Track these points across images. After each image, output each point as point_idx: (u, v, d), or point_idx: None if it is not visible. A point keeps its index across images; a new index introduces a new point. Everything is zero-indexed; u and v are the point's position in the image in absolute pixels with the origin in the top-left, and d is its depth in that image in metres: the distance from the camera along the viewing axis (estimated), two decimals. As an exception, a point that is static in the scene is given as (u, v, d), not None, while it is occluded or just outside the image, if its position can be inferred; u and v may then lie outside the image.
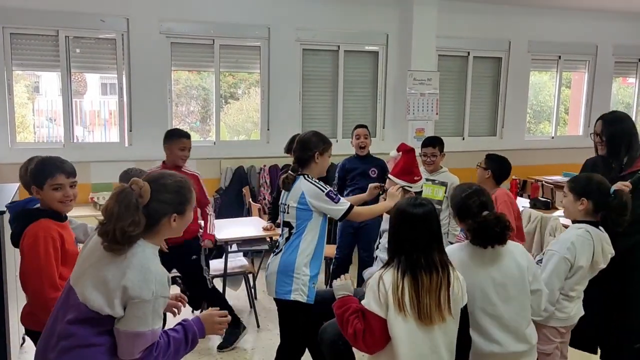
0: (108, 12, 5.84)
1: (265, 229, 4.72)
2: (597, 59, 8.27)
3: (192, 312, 4.51)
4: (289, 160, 3.30)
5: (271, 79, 6.57)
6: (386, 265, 2.22)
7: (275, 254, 3.06)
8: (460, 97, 7.63)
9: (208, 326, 1.99)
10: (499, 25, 7.56)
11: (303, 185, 2.97)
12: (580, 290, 2.72)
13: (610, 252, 2.70)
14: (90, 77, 6.90)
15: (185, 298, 2.42)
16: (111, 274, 1.75)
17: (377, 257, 3.28)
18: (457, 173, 4.48)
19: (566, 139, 8.17)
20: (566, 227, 3.16)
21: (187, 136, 4.08)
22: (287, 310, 3.00)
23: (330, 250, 4.75)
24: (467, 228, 2.44)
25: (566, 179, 3.71)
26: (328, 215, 3.05)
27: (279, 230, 3.39)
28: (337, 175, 5.00)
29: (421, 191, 3.30)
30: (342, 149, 5.72)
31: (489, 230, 2.37)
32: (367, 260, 4.27)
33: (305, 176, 3.02)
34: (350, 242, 4.88)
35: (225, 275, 4.49)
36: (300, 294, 2.92)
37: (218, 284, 4.62)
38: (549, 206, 5.53)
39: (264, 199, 6.30)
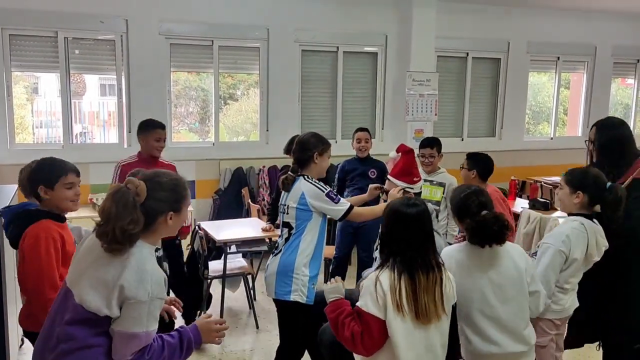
0: (107, 13, 5.84)
1: (264, 230, 4.71)
2: (596, 59, 8.28)
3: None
4: (288, 161, 3.31)
5: (270, 80, 6.58)
6: (381, 266, 2.22)
7: (275, 255, 3.06)
8: (459, 98, 7.64)
9: (205, 334, 1.96)
10: (498, 26, 7.57)
11: (303, 186, 2.98)
12: (575, 282, 2.73)
13: (605, 245, 2.71)
14: (89, 78, 6.90)
15: (180, 302, 2.41)
16: (109, 274, 1.75)
17: (376, 257, 3.27)
18: (456, 174, 4.48)
19: (565, 140, 8.18)
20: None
21: (162, 126, 4.05)
22: (287, 310, 3.00)
23: (330, 251, 4.75)
24: (466, 227, 2.45)
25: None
26: (328, 216, 3.05)
27: (278, 231, 3.39)
28: (336, 176, 5.01)
29: (420, 192, 3.30)
30: (341, 150, 5.72)
31: (487, 229, 2.37)
32: (366, 261, 4.28)
33: (305, 177, 3.03)
34: (350, 242, 4.89)
35: (224, 277, 4.49)
36: (299, 294, 2.92)
37: (217, 285, 4.62)
38: (548, 207, 5.53)
39: (263, 199, 6.30)
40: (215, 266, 4.65)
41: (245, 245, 4.90)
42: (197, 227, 4.70)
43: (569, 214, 2.77)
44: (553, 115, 8.32)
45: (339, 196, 3.05)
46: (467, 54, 7.54)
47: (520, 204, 5.71)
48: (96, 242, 1.80)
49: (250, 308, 4.82)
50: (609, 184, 2.67)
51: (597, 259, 2.71)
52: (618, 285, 2.90)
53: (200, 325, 1.96)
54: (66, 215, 2.56)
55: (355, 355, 2.35)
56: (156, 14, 5.99)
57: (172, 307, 2.30)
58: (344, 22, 6.79)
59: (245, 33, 6.43)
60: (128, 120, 6.08)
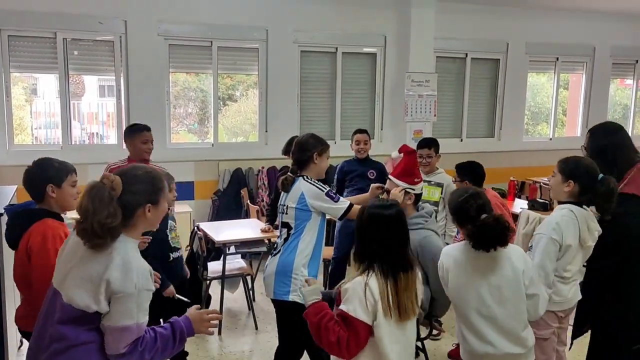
0: (106, 14, 5.84)
1: (263, 231, 4.71)
2: (594, 60, 8.29)
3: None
4: (287, 162, 3.31)
5: (269, 80, 6.58)
6: (366, 270, 2.19)
7: (274, 255, 3.06)
8: (458, 99, 7.64)
9: (197, 324, 1.97)
10: (497, 27, 7.58)
11: (302, 186, 2.99)
12: (574, 271, 2.73)
13: (597, 229, 2.71)
14: (88, 79, 6.88)
15: (159, 276, 2.52)
16: (94, 270, 1.76)
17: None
18: (455, 175, 4.49)
19: (564, 141, 8.18)
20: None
21: (147, 129, 4.07)
22: (285, 311, 3.00)
23: (329, 251, 4.75)
24: (467, 234, 2.44)
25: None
26: (327, 216, 3.05)
27: (277, 232, 3.39)
28: (335, 177, 5.01)
29: (421, 193, 3.31)
30: (340, 150, 5.71)
31: (488, 233, 2.37)
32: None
33: (305, 177, 3.03)
34: (349, 242, 4.87)
35: (223, 277, 4.48)
36: (298, 294, 2.92)
37: (216, 286, 4.61)
38: (547, 207, 5.52)
39: (262, 200, 6.30)
40: (214, 267, 4.65)
41: (245, 246, 4.90)
42: (196, 228, 4.70)
43: (559, 202, 2.78)
44: (552, 115, 8.33)
45: (339, 195, 3.05)
46: (466, 54, 7.55)
47: (519, 205, 5.71)
48: (78, 242, 1.82)
49: (249, 309, 4.81)
50: (601, 175, 2.67)
51: (592, 243, 2.72)
52: (617, 284, 2.90)
53: (191, 316, 1.98)
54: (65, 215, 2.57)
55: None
56: (155, 14, 5.99)
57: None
58: (343, 23, 6.80)
59: (244, 34, 6.44)
60: (127, 121, 6.06)
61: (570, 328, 3.00)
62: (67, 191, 2.47)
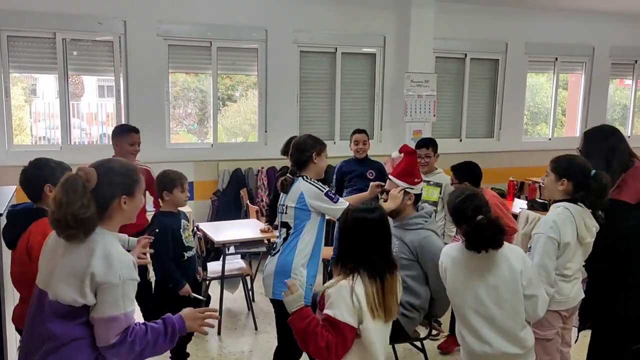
0: (105, 15, 5.84)
1: (262, 231, 4.71)
2: (593, 60, 8.30)
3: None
4: (287, 162, 3.32)
5: (269, 81, 6.58)
6: (350, 274, 2.18)
7: (273, 255, 3.07)
8: (457, 99, 7.65)
9: (189, 322, 1.97)
10: (496, 27, 7.59)
11: (302, 186, 2.99)
12: (575, 269, 2.73)
13: (594, 225, 2.72)
14: (87, 80, 6.88)
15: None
16: (76, 265, 1.78)
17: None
18: (455, 175, 4.49)
19: (563, 141, 8.18)
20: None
21: (136, 130, 4.07)
22: (284, 310, 2.99)
23: (328, 251, 4.75)
24: (462, 233, 2.47)
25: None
26: (326, 217, 3.05)
27: (276, 232, 3.39)
28: (334, 177, 5.01)
29: (421, 193, 3.31)
30: (339, 151, 5.72)
31: (482, 234, 2.39)
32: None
33: (304, 177, 3.04)
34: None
35: (222, 278, 4.48)
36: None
37: (216, 286, 4.61)
38: (546, 207, 5.52)
39: (262, 201, 6.30)
40: (213, 267, 4.65)
41: (244, 247, 4.90)
42: (195, 228, 4.70)
43: (554, 201, 2.79)
44: (551, 116, 8.34)
45: (338, 196, 3.05)
46: (466, 55, 7.55)
47: (519, 205, 5.71)
48: (57, 240, 1.85)
49: (249, 309, 4.82)
50: (593, 171, 2.68)
51: (590, 240, 2.73)
52: (617, 283, 2.91)
53: (184, 313, 1.99)
54: None
55: None
56: (154, 15, 5.99)
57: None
58: (343, 23, 6.80)
59: (243, 34, 6.44)
60: (126, 122, 6.07)
61: (574, 329, 3.00)
62: None
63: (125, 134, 4.01)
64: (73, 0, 5.69)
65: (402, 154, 3.29)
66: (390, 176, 3.27)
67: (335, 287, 2.17)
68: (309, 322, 2.16)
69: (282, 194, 3.11)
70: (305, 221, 2.97)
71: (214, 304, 4.61)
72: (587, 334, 3.03)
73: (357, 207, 2.37)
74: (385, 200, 3.17)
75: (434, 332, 3.36)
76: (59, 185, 1.82)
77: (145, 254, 2.56)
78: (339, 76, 6.93)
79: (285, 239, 3.03)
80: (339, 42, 6.85)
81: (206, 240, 4.56)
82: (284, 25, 6.53)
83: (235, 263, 4.87)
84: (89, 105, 7.01)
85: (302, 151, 3.08)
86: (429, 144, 4.47)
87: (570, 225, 2.65)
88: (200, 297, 3.37)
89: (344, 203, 3.00)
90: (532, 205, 5.40)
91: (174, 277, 3.30)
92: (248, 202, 6.00)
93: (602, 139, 3.02)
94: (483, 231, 2.38)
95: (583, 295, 2.79)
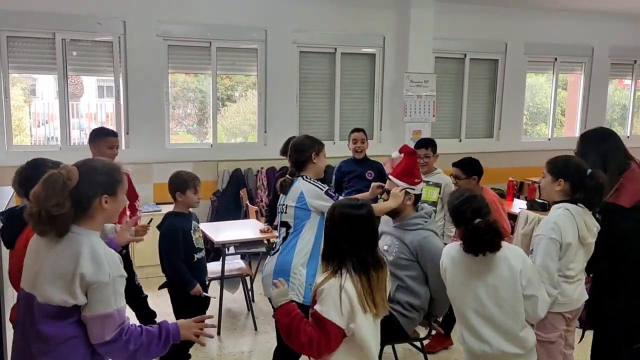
0: (105, 15, 5.84)
1: (262, 231, 4.71)
2: (593, 60, 8.30)
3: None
4: (286, 162, 3.32)
5: (268, 81, 6.58)
6: (338, 271, 2.18)
7: (272, 255, 3.07)
8: (457, 99, 7.65)
9: (184, 330, 2.01)
10: (496, 27, 7.59)
11: (302, 186, 3.00)
12: (578, 269, 2.72)
13: (595, 225, 2.72)
14: (86, 80, 6.89)
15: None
16: (63, 267, 1.80)
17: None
18: (454, 175, 4.49)
19: (562, 141, 8.18)
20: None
21: (114, 134, 4.06)
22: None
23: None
24: (460, 236, 2.48)
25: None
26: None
27: (276, 233, 3.40)
28: (333, 177, 5.00)
29: (421, 194, 3.31)
30: (339, 151, 5.71)
31: (479, 237, 2.40)
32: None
33: (304, 177, 3.04)
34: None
35: (222, 278, 4.48)
36: (296, 294, 2.92)
37: (216, 286, 4.61)
38: (545, 207, 5.52)
39: (261, 201, 6.30)
40: (213, 268, 4.64)
41: (244, 247, 4.90)
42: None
43: (553, 203, 2.79)
44: (551, 116, 8.34)
45: (338, 194, 3.06)
46: (465, 55, 7.55)
47: (518, 205, 5.71)
48: (40, 243, 1.87)
49: (248, 310, 4.81)
50: (589, 170, 2.68)
51: (592, 240, 2.72)
52: (617, 285, 2.91)
53: (180, 322, 2.03)
54: None
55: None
56: (154, 15, 5.99)
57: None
58: (342, 24, 6.80)
59: (243, 34, 6.44)
60: (126, 122, 6.08)
61: (578, 331, 3.00)
62: None
63: (103, 137, 3.98)
64: (72, 0, 5.69)
65: (402, 154, 3.29)
66: (390, 176, 3.27)
67: (326, 285, 2.16)
68: (293, 317, 2.16)
69: (281, 195, 3.12)
70: (305, 220, 2.97)
71: (214, 304, 4.60)
72: (590, 334, 3.03)
73: (343, 202, 2.35)
74: (385, 200, 3.17)
75: (433, 332, 3.36)
76: (40, 181, 1.84)
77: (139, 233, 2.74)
78: (339, 76, 6.93)
79: (284, 239, 3.03)
80: (338, 43, 6.85)
81: (206, 240, 4.55)
82: (284, 25, 6.53)
83: (235, 263, 4.87)
84: (89, 106, 7.02)
85: (301, 152, 3.08)
86: (428, 144, 4.47)
87: (572, 226, 2.64)
88: (211, 296, 3.38)
89: None
90: (532, 205, 5.40)
91: (185, 278, 3.31)
92: (248, 202, 6.00)
93: (599, 142, 3.03)
94: (480, 234, 2.40)
95: (587, 297, 2.79)
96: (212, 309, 4.59)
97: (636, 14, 8.13)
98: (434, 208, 4.18)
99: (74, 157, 2.18)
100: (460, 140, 7.68)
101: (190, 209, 3.53)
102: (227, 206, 6.25)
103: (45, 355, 1.83)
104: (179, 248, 3.31)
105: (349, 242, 2.19)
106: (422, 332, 3.36)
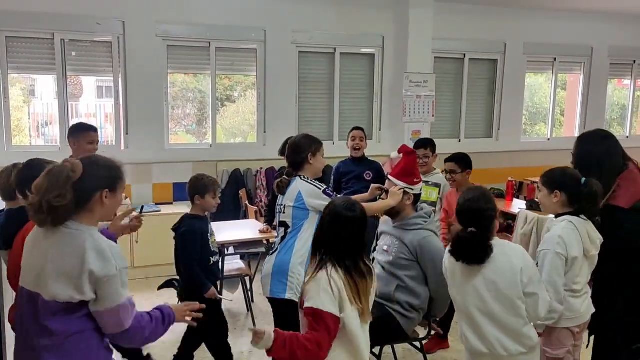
0: (104, 15, 5.84)
1: (261, 232, 4.71)
2: (592, 60, 8.30)
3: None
4: (285, 162, 3.32)
5: (267, 81, 6.58)
6: (323, 264, 2.19)
7: (271, 254, 3.07)
8: (456, 99, 7.65)
9: (177, 314, 2.12)
10: (495, 27, 7.59)
11: (300, 185, 2.99)
12: (583, 283, 2.71)
13: (599, 237, 2.71)
14: (86, 80, 6.88)
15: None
16: (69, 265, 1.82)
17: (374, 259, 3.28)
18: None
19: (562, 141, 8.18)
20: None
21: (94, 129, 3.98)
22: (282, 309, 3.00)
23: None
24: (449, 238, 2.51)
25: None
26: None
27: (275, 233, 3.40)
28: (332, 177, 5.01)
29: (420, 193, 3.31)
30: (338, 151, 5.72)
31: (461, 246, 2.45)
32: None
33: (301, 177, 3.04)
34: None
35: (222, 278, 4.48)
36: (295, 293, 2.92)
37: (215, 287, 4.61)
38: (545, 208, 5.53)
39: (261, 201, 6.30)
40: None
41: (243, 247, 4.90)
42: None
43: (556, 216, 2.78)
44: (550, 116, 8.34)
45: (336, 193, 3.05)
46: (464, 55, 7.55)
47: (518, 205, 5.72)
48: (39, 242, 1.89)
49: (248, 310, 4.81)
50: (583, 179, 2.69)
51: (595, 252, 2.71)
52: (617, 285, 2.91)
53: (173, 306, 2.15)
54: None
55: None
56: (153, 15, 5.99)
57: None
58: (341, 24, 6.80)
59: (242, 34, 6.43)
60: (125, 122, 6.07)
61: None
62: None
63: (83, 132, 3.90)
64: (71, 0, 5.69)
65: (401, 154, 3.29)
66: (389, 176, 3.27)
67: (313, 281, 2.17)
68: (288, 343, 2.08)
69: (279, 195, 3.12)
70: (304, 220, 2.97)
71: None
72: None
73: (339, 201, 2.34)
74: (384, 200, 3.17)
75: (432, 332, 3.36)
76: (43, 173, 1.87)
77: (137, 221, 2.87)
78: (338, 76, 6.93)
79: (283, 238, 3.03)
80: (337, 43, 6.85)
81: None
82: (283, 25, 6.53)
83: (234, 264, 4.87)
84: (88, 106, 7.01)
85: (297, 152, 3.08)
86: (427, 144, 4.47)
87: (576, 239, 2.63)
88: (228, 299, 3.37)
89: None
90: (531, 205, 5.40)
91: (201, 281, 3.30)
92: (247, 202, 6.00)
93: (596, 143, 3.02)
94: (463, 244, 2.45)
95: (593, 310, 2.76)
96: (212, 309, 4.60)
97: (636, 14, 8.13)
98: (434, 208, 4.18)
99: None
100: (460, 141, 7.68)
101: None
102: (227, 206, 6.24)
103: (51, 350, 1.85)
104: (197, 250, 3.31)
105: (333, 241, 2.20)
106: (422, 332, 3.36)
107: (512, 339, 2.43)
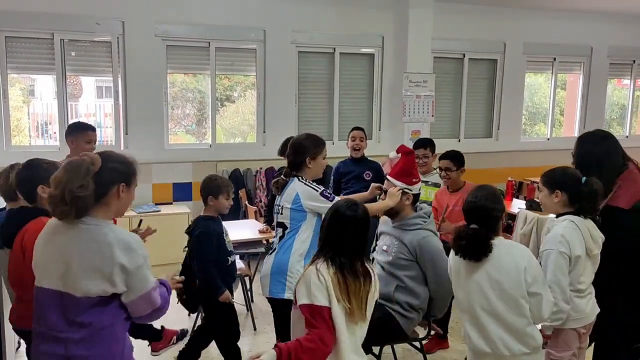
0: (103, 15, 5.84)
1: (261, 232, 4.71)
2: (592, 60, 8.30)
3: (189, 315, 4.50)
4: (285, 162, 3.31)
5: (267, 81, 6.58)
6: (316, 258, 2.23)
7: (269, 254, 3.07)
8: (456, 99, 7.65)
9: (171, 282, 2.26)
10: (494, 27, 7.59)
11: (297, 187, 2.98)
12: (588, 283, 2.71)
13: (600, 236, 2.71)
14: (85, 80, 6.88)
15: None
16: (98, 261, 1.86)
17: (373, 259, 3.28)
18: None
19: (561, 141, 8.19)
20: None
21: (92, 129, 3.97)
22: (281, 309, 2.99)
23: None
24: (454, 234, 2.53)
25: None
26: (323, 216, 3.05)
27: (274, 232, 3.39)
28: (332, 177, 5.01)
29: (419, 193, 3.31)
30: (338, 151, 5.72)
31: (461, 241, 2.46)
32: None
33: (299, 178, 3.03)
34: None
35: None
36: (293, 293, 2.92)
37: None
38: (544, 207, 5.53)
39: (260, 201, 6.30)
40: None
41: (243, 247, 4.89)
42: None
43: (557, 216, 2.78)
44: (549, 116, 8.34)
45: (334, 195, 3.04)
46: (464, 55, 7.56)
47: (517, 205, 5.72)
48: (58, 242, 1.92)
49: (247, 310, 4.80)
50: (584, 178, 2.69)
51: (598, 252, 2.71)
52: (617, 285, 2.91)
53: (163, 279, 2.23)
54: None
55: None
56: (152, 15, 5.99)
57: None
58: (341, 24, 6.80)
59: (241, 34, 6.43)
60: (125, 123, 6.07)
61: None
62: None
63: (82, 131, 3.89)
64: (71, 0, 5.69)
65: (400, 154, 3.28)
66: (388, 176, 3.26)
67: (302, 278, 2.19)
68: (293, 351, 2.07)
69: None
70: (301, 222, 2.96)
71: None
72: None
73: (342, 201, 2.36)
74: (383, 200, 3.17)
75: (432, 332, 3.36)
76: (61, 167, 1.90)
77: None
78: (338, 76, 6.93)
79: (281, 238, 3.03)
80: (337, 43, 6.85)
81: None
82: (283, 25, 6.53)
83: (233, 263, 4.85)
84: (87, 106, 7.00)
85: (297, 153, 3.05)
86: (426, 144, 4.47)
87: (578, 238, 2.63)
88: (241, 304, 3.36)
89: None
90: (531, 205, 5.40)
91: (216, 284, 3.29)
92: (247, 202, 5.99)
93: (596, 143, 3.03)
94: (462, 239, 2.45)
95: (598, 310, 2.76)
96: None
97: (635, 14, 8.14)
98: (433, 208, 4.18)
99: (73, 157, 2.21)
100: (459, 140, 7.68)
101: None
102: (226, 206, 6.24)
103: (80, 342, 1.89)
104: (212, 252, 3.30)
105: (331, 238, 2.22)
106: (421, 332, 3.36)
107: (516, 339, 2.42)
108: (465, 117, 7.71)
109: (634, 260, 2.86)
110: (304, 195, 2.95)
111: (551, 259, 2.61)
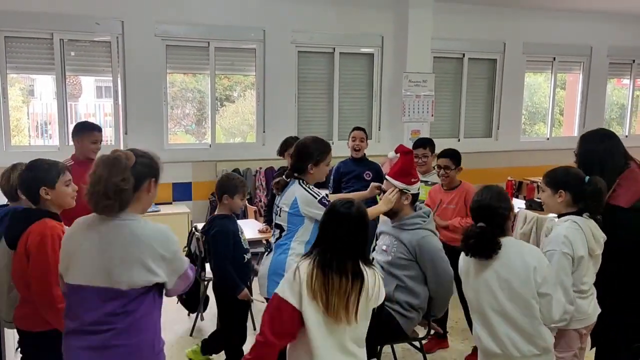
0: (103, 15, 5.83)
1: (261, 231, 4.71)
2: (591, 60, 8.31)
3: (188, 315, 4.50)
4: (285, 162, 3.31)
5: (267, 81, 6.57)
6: (307, 254, 2.24)
7: (267, 254, 3.07)
8: (455, 99, 7.65)
9: None
10: (494, 27, 7.59)
11: (297, 191, 2.97)
12: (590, 283, 2.70)
13: (602, 236, 2.70)
14: (85, 80, 6.88)
15: None
16: (139, 253, 1.92)
17: (373, 259, 3.28)
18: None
19: (561, 140, 8.20)
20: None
21: (98, 129, 3.97)
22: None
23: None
24: (463, 232, 2.53)
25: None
26: None
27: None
28: (332, 178, 5.00)
29: (418, 193, 3.30)
30: (338, 151, 5.66)
31: (468, 239, 2.46)
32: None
33: (300, 181, 3.01)
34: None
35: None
36: None
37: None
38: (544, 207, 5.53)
39: (260, 201, 6.30)
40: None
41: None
42: (193, 228, 4.69)
43: (559, 216, 2.77)
44: (549, 115, 8.34)
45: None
46: (464, 54, 7.56)
47: (517, 205, 5.71)
48: (85, 237, 1.95)
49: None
50: (587, 177, 2.68)
51: (600, 252, 2.71)
52: (617, 284, 2.91)
53: None
54: None
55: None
56: (152, 15, 5.99)
57: None
58: (341, 23, 6.80)
59: (241, 34, 6.43)
60: (124, 122, 6.07)
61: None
62: (62, 191, 2.49)
63: (87, 131, 3.90)
64: (71, 0, 5.68)
65: (399, 154, 3.28)
66: (386, 176, 3.26)
67: (291, 270, 2.22)
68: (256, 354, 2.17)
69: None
70: (299, 226, 2.96)
71: (213, 304, 4.59)
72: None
73: (339, 199, 2.35)
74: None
75: (432, 332, 3.36)
76: (99, 163, 1.94)
77: None
78: (337, 76, 6.93)
79: (278, 239, 3.03)
80: (337, 42, 6.85)
81: (204, 240, 4.54)
82: (282, 25, 6.52)
83: (233, 263, 4.85)
84: (87, 106, 7.01)
85: (301, 158, 3.03)
86: (426, 143, 4.47)
87: (581, 238, 2.62)
88: (261, 301, 3.38)
89: None
90: (530, 205, 5.40)
91: (234, 282, 3.31)
92: (246, 202, 5.99)
93: (598, 142, 3.02)
94: (469, 237, 2.45)
95: (600, 310, 2.75)
96: (211, 310, 4.59)
97: (635, 14, 8.14)
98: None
99: (72, 157, 2.20)
100: (459, 140, 7.68)
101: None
102: (226, 206, 6.24)
103: (122, 332, 1.93)
104: (229, 250, 3.31)
105: (325, 235, 2.22)
106: (421, 332, 3.36)
107: (525, 340, 2.41)
108: (465, 117, 7.71)
109: (635, 259, 2.86)
110: (302, 200, 2.94)
111: (554, 260, 2.59)
